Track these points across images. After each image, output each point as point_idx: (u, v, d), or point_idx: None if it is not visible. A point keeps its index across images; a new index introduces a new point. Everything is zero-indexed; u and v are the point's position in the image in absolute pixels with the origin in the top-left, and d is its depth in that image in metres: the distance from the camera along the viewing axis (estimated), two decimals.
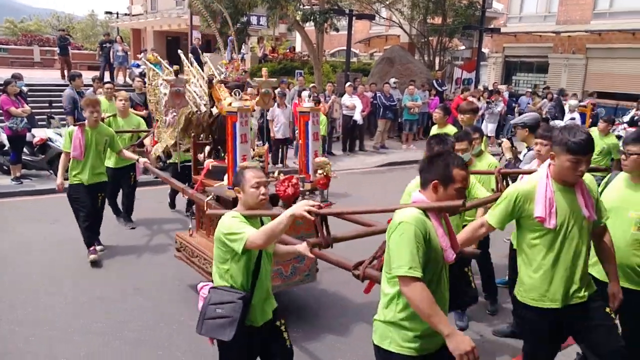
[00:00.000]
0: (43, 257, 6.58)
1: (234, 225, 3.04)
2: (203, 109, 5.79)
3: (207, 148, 5.74)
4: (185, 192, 5.71)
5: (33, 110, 11.81)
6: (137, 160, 6.67)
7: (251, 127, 5.35)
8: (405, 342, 2.67)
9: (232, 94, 4.81)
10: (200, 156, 5.72)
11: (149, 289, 5.81)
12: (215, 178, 5.19)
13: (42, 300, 5.45)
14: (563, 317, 3.23)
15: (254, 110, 5.61)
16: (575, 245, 3.18)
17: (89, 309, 5.32)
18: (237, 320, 3.05)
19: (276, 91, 12.18)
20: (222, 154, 5.57)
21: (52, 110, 12.41)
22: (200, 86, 6.01)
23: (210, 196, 5.02)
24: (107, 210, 7.12)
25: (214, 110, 5.54)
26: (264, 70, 4.67)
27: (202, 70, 6.09)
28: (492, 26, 26.17)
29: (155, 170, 6.75)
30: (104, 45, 18.93)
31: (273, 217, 3.14)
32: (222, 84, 5.39)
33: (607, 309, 3.36)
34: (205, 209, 5.01)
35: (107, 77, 17.68)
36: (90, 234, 6.49)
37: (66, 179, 6.45)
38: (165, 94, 5.97)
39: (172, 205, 8.85)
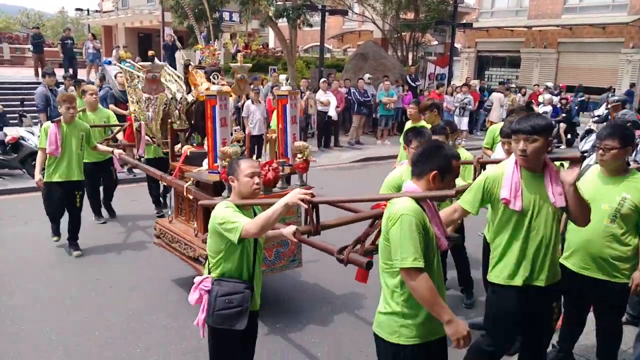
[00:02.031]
0: (15, 255, 6.50)
1: (228, 215, 3.02)
2: (179, 96, 5.80)
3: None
4: (163, 179, 5.69)
5: (4, 109, 11.66)
6: (112, 152, 6.63)
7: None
8: (412, 331, 2.72)
9: (211, 77, 4.75)
10: (177, 146, 5.72)
11: (121, 286, 5.76)
12: (194, 164, 5.22)
13: (12, 299, 5.39)
14: (524, 298, 3.31)
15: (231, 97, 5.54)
16: (542, 229, 3.24)
17: (59, 307, 5.26)
18: (248, 309, 3.14)
19: (250, 87, 12.01)
20: (199, 140, 5.59)
21: (24, 108, 12.25)
22: (175, 81, 6.01)
23: (190, 181, 5.01)
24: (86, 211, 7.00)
25: (190, 97, 5.53)
26: (240, 55, 4.66)
27: (175, 68, 6.09)
28: (464, 21, 26.55)
29: (131, 160, 6.72)
30: (65, 41, 18.56)
31: (265, 205, 3.12)
32: (199, 69, 5.34)
33: (554, 304, 3.56)
34: (185, 194, 5.04)
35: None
36: (56, 226, 6.69)
37: None
38: None
39: (164, 204, 8.34)
